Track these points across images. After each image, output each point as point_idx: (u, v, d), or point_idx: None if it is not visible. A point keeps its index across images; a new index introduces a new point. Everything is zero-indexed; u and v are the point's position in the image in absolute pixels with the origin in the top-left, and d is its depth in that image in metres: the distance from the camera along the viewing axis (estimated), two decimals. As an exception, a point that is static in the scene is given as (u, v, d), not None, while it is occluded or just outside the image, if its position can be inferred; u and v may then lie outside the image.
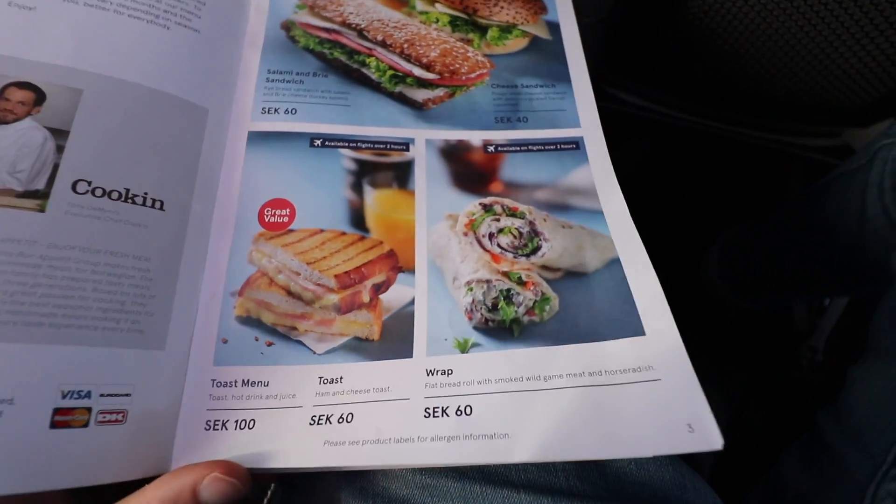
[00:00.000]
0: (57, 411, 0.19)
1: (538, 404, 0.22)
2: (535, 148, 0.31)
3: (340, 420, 0.22)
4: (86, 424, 0.19)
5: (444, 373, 0.24)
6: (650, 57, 0.53)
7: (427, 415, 0.22)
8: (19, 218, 0.20)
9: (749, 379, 0.64)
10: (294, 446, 0.22)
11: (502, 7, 0.35)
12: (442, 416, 0.22)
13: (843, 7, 0.39)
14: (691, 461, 0.27)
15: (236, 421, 0.23)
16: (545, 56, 0.34)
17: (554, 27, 0.35)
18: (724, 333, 0.68)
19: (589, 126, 0.31)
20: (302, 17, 0.33)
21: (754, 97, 0.53)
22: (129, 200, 0.22)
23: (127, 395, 0.20)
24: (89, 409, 0.19)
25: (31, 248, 0.20)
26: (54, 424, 0.18)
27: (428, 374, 0.24)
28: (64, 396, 0.19)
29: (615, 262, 0.27)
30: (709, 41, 0.47)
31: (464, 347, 0.25)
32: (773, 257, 0.57)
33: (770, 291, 0.60)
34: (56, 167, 0.21)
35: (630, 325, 0.24)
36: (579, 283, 0.27)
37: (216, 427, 0.23)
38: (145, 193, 0.23)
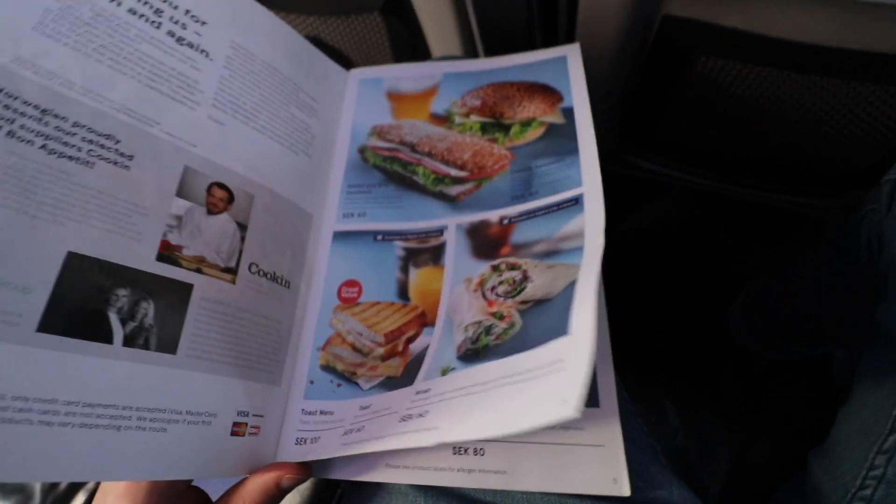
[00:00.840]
0: (234, 424, 0.28)
1: (466, 405, 0.26)
2: (540, 213, 0.35)
3: (357, 431, 0.29)
4: (244, 434, 0.28)
5: (424, 392, 0.29)
6: (658, 132, 0.58)
7: (400, 420, 0.27)
8: (222, 286, 0.29)
9: (758, 419, 0.67)
10: (328, 449, 0.29)
11: (525, 106, 0.41)
12: (408, 420, 0.27)
13: (832, 84, 0.42)
14: (698, 491, 0.31)
15: (310, 438, 0.32)
16: (558, 137, 0.38)
17: (568, 111, 0.39)
18: (748, 383, 0.70)
19: (589, 182, 0.34)
20: (372, 141, 0.44)
21: (757, 165, 0.58)
22: (275, 280, 0.32)
23: (262, 415, 0.30)
24: (247, 424, 0.29)
25: (227, 308, 0.29)
26: (233, 433, 0.28)
27: (416, 394, 0.29)
28: (238, 414, 0.28)
29: (574, 283, 0.28)
30: (708, 118, 0.51)
31: (444, 372, 0.31)
32: (789, 309, 0.59)
33: (793, 343, 0.62)
34: (240, 252, 0.31)
35: (561, 328, 0.26)
36: (543, 307, 0.31)
37: (300, 442, 0.32)
38: (282, 276, 0.33)
